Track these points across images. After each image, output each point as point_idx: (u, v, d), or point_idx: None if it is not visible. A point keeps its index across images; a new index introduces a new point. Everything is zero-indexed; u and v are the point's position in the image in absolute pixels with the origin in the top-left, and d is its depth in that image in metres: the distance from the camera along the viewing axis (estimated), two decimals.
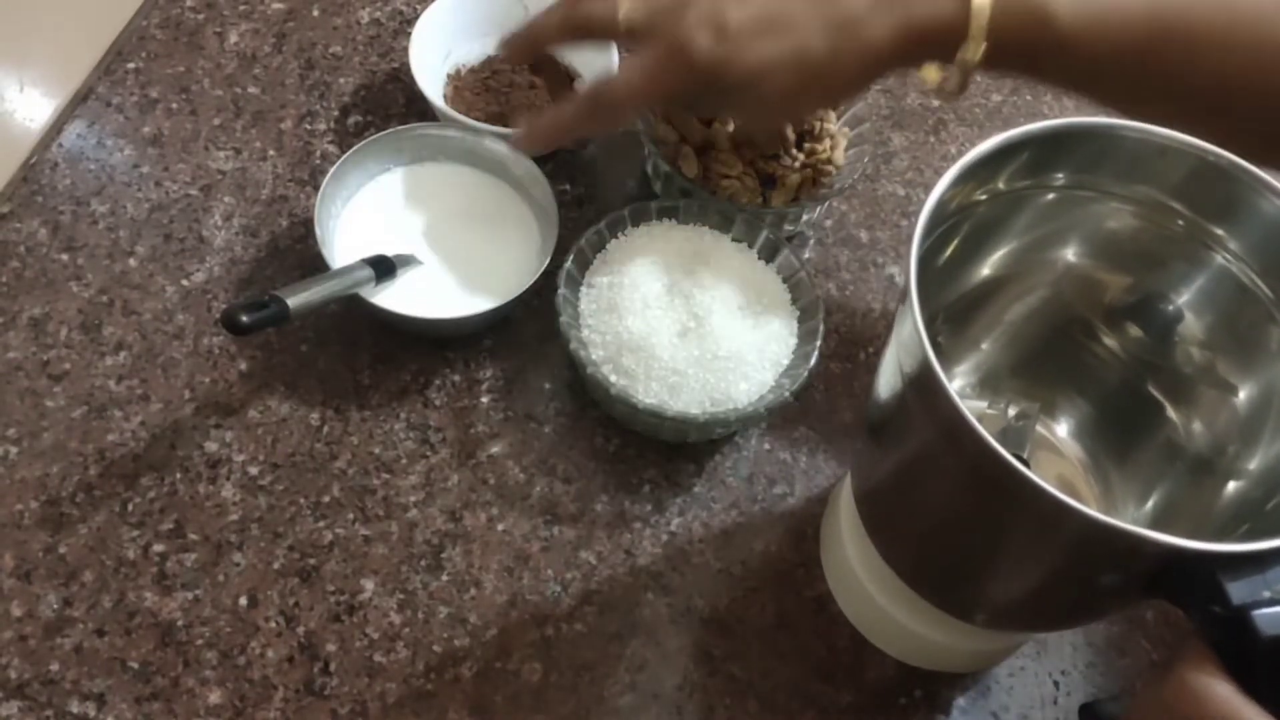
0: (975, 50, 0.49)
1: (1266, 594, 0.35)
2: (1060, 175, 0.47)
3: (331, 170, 0.59)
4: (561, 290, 0.58)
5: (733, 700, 0.53)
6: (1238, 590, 0.35)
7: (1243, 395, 0.47)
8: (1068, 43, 0.48)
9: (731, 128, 0.64)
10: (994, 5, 0.48)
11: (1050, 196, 0.48)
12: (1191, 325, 0.49)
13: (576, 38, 0.59)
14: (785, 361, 0.58)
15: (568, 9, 0.56)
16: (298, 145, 0.68)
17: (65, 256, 0.62)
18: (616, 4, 0.54)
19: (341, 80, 0.71)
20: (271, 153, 0.67)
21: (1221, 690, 0.35)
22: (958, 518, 0.44)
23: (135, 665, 0.51)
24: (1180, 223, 0.46)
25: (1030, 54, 0.49)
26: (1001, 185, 0.46)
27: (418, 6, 0.73)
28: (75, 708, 0.50)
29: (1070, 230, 0.50)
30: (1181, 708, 0.36)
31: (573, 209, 0.67)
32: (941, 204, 0.41)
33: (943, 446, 0.40)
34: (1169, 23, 0.48)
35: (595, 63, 0.67)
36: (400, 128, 0.62)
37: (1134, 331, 0.51)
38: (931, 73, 0.53)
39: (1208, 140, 0.45)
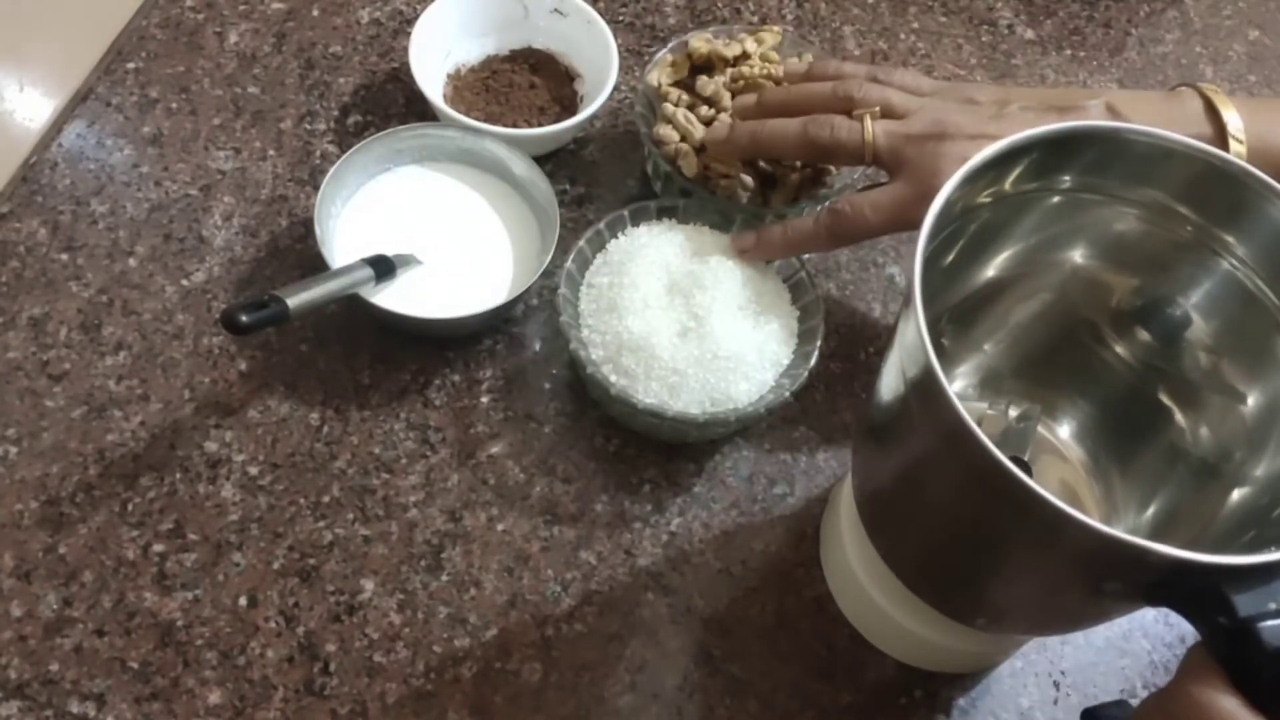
0: None
1: (1273, 605, 0.34)
2: (1067, 178, 0.46)
3: (331, 170, 0.59)
4: (561, 290, 0.58)
5: (733, 700, 0.53)
6: (1244, 602, 0.34)
7: (1251, 402, 0.47)
8: None
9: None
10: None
11: (1056, 199, 0.47)
12: (1199, 330, 0.48)
13: (815, 157, 0.59)
14: (785, 361, 0.58)
15: (808, 126, 0.56)
16: (297, 145, 0.68)
17: (65, 256, 0.62)
18: (861, 128, 0.54)
19: (341, 80, 0.70)
20: (271, 153, 0.67)
21: (1228, 704, 0.35)
22: (959, 523, 0.43)
23: (135, 665, 0.51)
24: (1188, 228, 0.46)
25: None
26: (1008, 188, 0.46)
27: (418, 6, 0.73)
28: (75, 708, 0.50)
29: (1077, 233, 0.49)
30: None
31: (573, 209, 0.67)
32: (947, 207, 0.41)
33: (944, 452, 0.40)
34: None
35: (596, 61, 0.67)
36: (400, 128, 0.62)
37: (1141, 335, 0.51)
38: None
39: None
